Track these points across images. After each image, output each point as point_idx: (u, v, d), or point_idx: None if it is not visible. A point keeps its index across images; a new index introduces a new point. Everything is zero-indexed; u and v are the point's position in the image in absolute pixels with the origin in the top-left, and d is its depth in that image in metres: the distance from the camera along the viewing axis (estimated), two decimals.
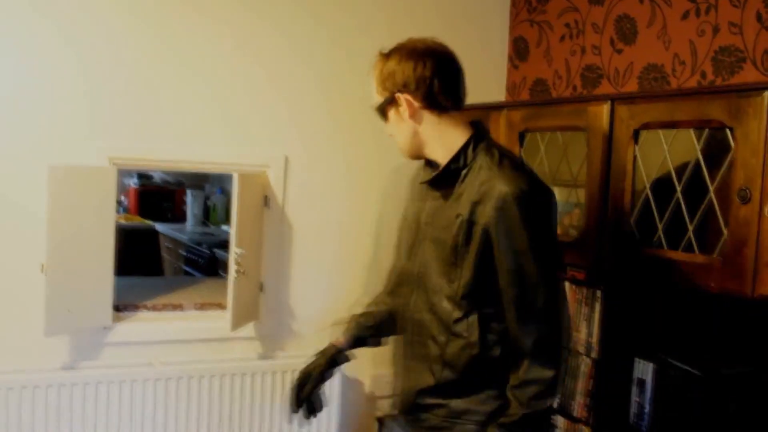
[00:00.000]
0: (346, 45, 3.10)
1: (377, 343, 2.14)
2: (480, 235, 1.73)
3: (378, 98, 1.89)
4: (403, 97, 1.83)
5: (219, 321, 2.98)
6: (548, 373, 1.70)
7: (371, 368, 3.19)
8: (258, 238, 3.00)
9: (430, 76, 1.81)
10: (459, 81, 1.88)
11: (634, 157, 2.19)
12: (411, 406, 1.92)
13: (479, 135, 1.85)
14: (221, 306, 3.06)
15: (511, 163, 1.77)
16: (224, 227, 5.62)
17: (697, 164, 2.04)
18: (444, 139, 1.85)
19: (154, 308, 3.03)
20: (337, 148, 3.15)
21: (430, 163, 1.93)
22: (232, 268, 2.80)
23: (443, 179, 1.86)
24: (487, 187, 1.73)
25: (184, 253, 5.43)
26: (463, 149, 1.83)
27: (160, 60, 2.80)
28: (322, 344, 2.11)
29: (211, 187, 6.32)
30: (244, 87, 2.95)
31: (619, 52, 2.81)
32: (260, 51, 2.97)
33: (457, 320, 1.79)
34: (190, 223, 6.09)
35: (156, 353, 2.87)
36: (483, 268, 1.75)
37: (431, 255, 1.87)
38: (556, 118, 2.56)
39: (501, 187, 1.70)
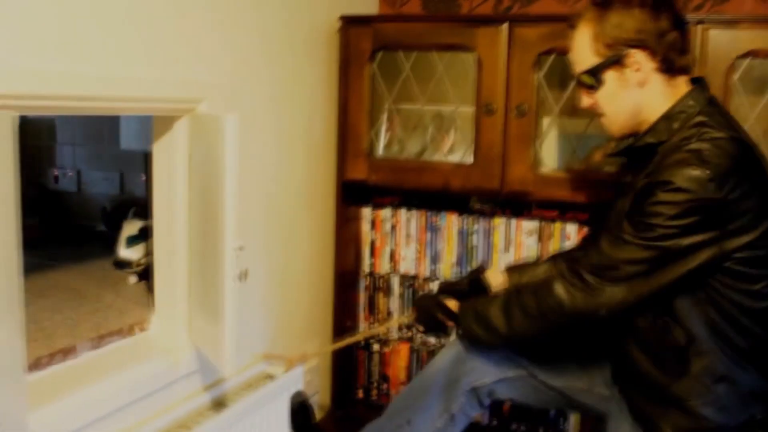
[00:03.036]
0: None
1: None
2: None
3: (589, 58, 1.59)
4: (638, 55, 1.54)
5: (150, 361, 1.85)
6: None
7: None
8: None
9: (669, 29, 1.55)
10: (688, 37, 1.63)
11: None
12: None
13: (696, 101, 1.58)
14: (120, 333, 1.90)
15: (718, 150, 1.49)
16: None
17: None
18: (668, 110, 1.58)
19: (38, 365, 1.69)
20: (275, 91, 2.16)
21: None
22: (228, 274, 1.74)
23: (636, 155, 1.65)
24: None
25: None
26: (666, 118, 1.58)
27: None
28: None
29: None
30: None
31: None
32: None
33: None
34: None
35: None
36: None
37: None
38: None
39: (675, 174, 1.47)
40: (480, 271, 1.99)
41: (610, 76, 1.59)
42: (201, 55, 1.85)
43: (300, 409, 2.13)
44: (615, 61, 1.57)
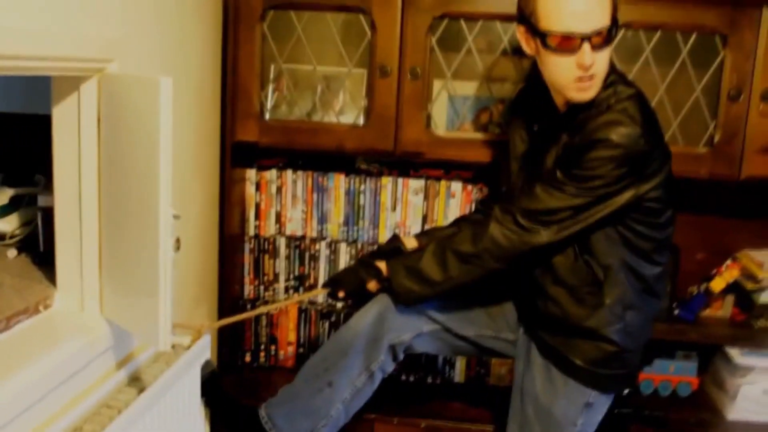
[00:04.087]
0: None
1: None
2: None
3: (610, 14, 1.65)
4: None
5: (68, 341, 1.73)
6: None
7: None
8: None
9: None
10: None
11: None
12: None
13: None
14: (27, 312, 1.76)
15: (637, 107, 1.70)
16: None
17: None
18: None
19: None
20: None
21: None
22: (164, 244, 1.66)
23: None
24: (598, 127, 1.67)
25: None
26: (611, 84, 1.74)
27: None
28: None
29: None
30: None
31: None
32: None
33: None
34: None
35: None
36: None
37: None
38: None
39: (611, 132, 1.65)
40: (396, 239, 2.04)
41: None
42: (104, 9, 1.72)
43: (210, 379, 2.09)
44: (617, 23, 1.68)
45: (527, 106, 1.95)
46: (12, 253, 2.05)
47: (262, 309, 2.33)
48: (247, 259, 2.54)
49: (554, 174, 1.71)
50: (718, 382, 2.50)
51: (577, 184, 1.67)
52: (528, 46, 1.74)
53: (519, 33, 1.76)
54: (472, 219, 2.09)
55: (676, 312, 2.46)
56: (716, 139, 2.27)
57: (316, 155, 2.47)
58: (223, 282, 2.47)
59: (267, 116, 2.41)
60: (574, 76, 1.66)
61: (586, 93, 1.69)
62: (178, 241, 1.69)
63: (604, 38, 1.64)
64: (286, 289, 2.56)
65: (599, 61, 1.65)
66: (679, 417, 2.43)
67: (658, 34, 2.24)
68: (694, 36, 2.23)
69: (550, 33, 1.64)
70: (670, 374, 2.51)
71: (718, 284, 2.47)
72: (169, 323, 1.66)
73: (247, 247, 2.54)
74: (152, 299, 1.64)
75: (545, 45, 1.66)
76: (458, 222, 2.13)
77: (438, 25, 2.28)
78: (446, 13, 2.25)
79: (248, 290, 2.56)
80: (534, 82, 1.87)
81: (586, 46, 1.62)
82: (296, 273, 2.55)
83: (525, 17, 1.70)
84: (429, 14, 2.25)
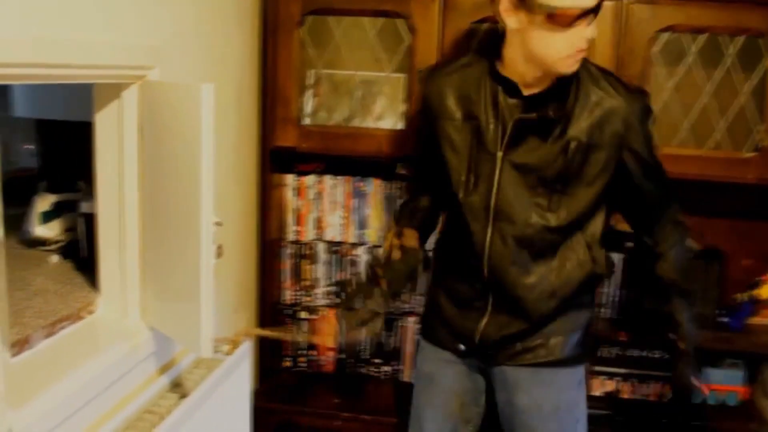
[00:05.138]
0: None
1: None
2: (607, 156, 1.68)
3: None
4: None
5: (112, 347, 1.73)
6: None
7: None
8: None
9: None
10: None
11: None
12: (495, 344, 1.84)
13: None
14: (70, 318, 1.77)
15: (616, 79, 1.71)
16: None
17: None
18: None
19: None
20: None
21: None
22: (205, 251, 1.66)
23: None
24: (604, 109, 1.64)
25: None
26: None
27: None
28: None
29: None
30: None
31: None
32: None
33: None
34: None
35: None
36: (606, 188, 1.71)
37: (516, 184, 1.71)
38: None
39: (623, 105, 1.65)
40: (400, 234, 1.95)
41: None
42: (145, 17, 1.72)
43: None
44: None
45: (458, 94, 1.75)
46: (54, 258, 2.07)
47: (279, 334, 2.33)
48: (287, 265, 2.54)
49: (647, 166, 1.72)
50: None
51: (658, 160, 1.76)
52: (517, 21, 1.56)
53: (502, 5, 1.56)
54: (419, 214, 1.99)
55: (724, 320, 2.40)
56: (763, 143, 2.22)
57: (354, 160, 2.46)
58: (263, 287, 2.47)
59: (306, 121, 2.41)
60: (571, 50, 1.55)
61: (577, 65, 1.60)
62: (220, 248, 1.69)
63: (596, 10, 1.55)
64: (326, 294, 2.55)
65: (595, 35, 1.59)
66: (728, 427, 2.37)
67: (704, 37, 2.19)
68: (740, 39, 2.18)
69: (557, 8, 1.49)
70: (718, 383, 2.45)
71: (765, 291, 2.41)
72: (211, 330, 1.65)
73: (286, 252, 2.54)
74: (194, 306, 1.64)
75: (552, 20, 1.51)
76: (412, 213, 1.98)
77: (477, 29, 2.26)
78: (486, 18, 2.23)
79: (287, 295, 2.56)
80: (474, 67, 1.74)
81: (592, 18, 1.53)
82: (335, 278, 2.54)
83: None
84: (468, 18, 2.23)
